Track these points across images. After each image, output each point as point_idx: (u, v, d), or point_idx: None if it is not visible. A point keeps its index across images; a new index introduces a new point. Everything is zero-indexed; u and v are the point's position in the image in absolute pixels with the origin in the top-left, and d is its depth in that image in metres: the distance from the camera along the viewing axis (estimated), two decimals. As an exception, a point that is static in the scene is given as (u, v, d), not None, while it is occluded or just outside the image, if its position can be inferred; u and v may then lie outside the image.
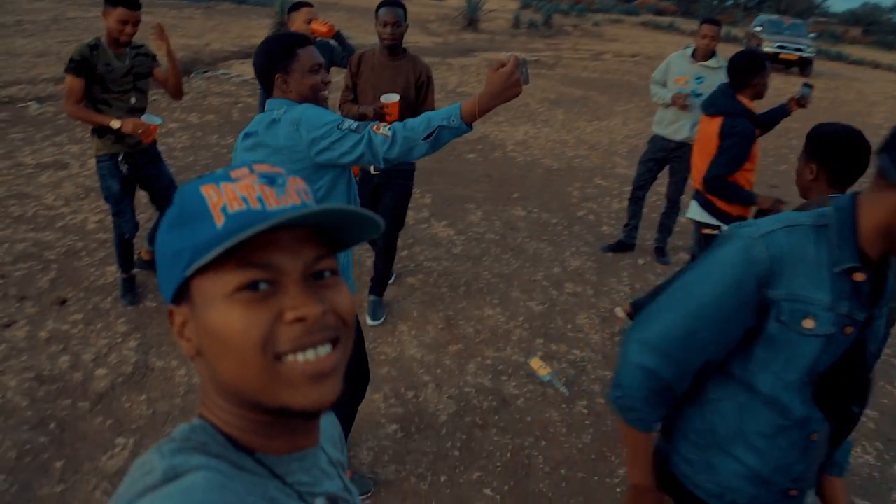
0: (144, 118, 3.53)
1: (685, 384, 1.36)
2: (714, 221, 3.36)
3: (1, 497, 2.52)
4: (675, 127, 4.58)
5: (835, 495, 1.49)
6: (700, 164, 3.40)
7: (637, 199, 4.92)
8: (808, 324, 1.21)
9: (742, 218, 3.37)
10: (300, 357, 0.61)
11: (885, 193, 1.13)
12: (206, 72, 11.28)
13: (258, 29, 14.19)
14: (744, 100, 3.30)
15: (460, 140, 7.97)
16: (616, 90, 12.02)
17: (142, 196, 3.98)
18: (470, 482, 2.71)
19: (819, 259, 1.21)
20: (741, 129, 3.17)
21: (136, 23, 3.44)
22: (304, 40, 2.05)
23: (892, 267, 1.27)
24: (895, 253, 1.20)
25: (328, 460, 0.76)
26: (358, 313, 3.90)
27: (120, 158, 3.63)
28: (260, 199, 0.63)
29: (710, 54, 4.44)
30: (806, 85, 3.85)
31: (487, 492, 2.66)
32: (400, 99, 3.29)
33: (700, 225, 3.46)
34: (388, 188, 3.60)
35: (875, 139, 1.50)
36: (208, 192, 0.64)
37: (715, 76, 4.41)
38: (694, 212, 3.48)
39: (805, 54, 16.93)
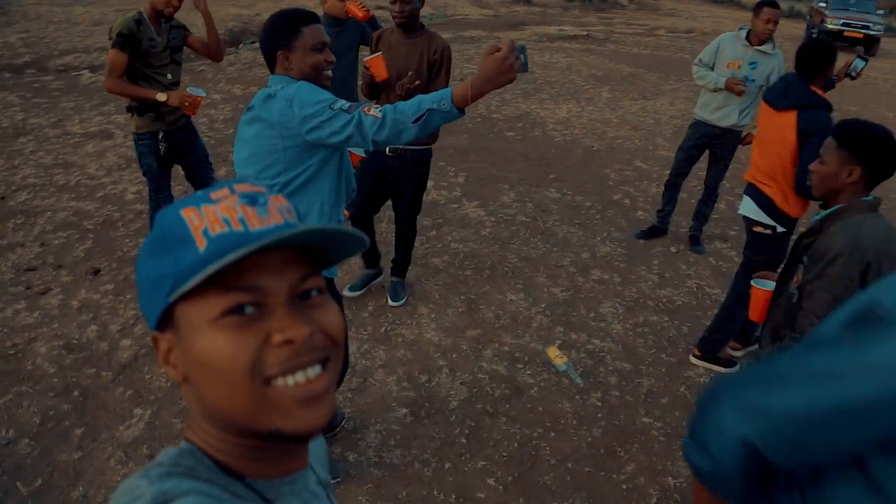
0: (189, 90, 3.53)
1: (794, 471, 1.09)
2: (769, 221, 3.19)
3: (22, 460, 2.64)
4: (722, 112, 4.37)
5: None
6: (761, 160, 3.22)
7: (674, 186, 4.76)
8: None
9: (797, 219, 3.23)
10: (290, 380, 0.60)
11: None
12: (253, 42, 11.37)
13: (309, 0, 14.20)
14: (818, 90, 3.12)
15: (501, 117, 7.88)
16: (666, 68, 11.65)
17: (178, 170, 4.02)
18: (474, 470, 2.71)
19: None
20: (825, 123, 2.93)
21: None
22: (310, 17, 2.02)
23: None
24: None
25: (317, 480, 0.76)
26: (380, 294, 3.92)
27: (160, 137, 3.67)
28: (242, 221, 0.62)
29: (767, 39, 4.19)
30: (861, 57, 3.64)
31: (491, 481, 2.66)
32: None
33: (752, 223, 3.28)
34: (403, 175, 3.54)
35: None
36: (188, 215, 0.62)
37: (768, 62, 4.20)
38: (747, 209, 3.30)
39: (871, 32, 16.05)
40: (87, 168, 5.62)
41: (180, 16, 3.68)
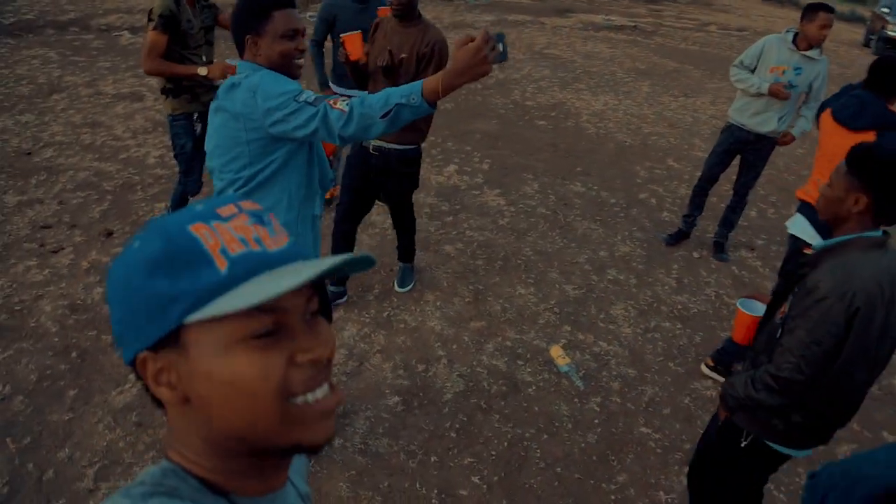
0: (229, 62, 3.44)
1: None
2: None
3: (15, 417, 2.67)
4: (762, 118, 4.16)
5: None
6: (825, 180, 3.08)
7: (702, 192, 4.58)
8: None
9: None
10: (310, 397, 0.62)
11: None
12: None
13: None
14: (894, 109, 2.94)
15: (534, 104, 7.74)
16: (712, 65, 11.31)
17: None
18: (460, 466, 2.65)
19: None
20: None
21: None
22: (283, 1, 1.89)
23: None
24: None
25: (297, 494, 0.76)
26: (389, 277, 3.87)
27: (195, 118, 3.64)
28: (258, 241, 0.61)
29: (817, 45, 3.98)
30: None
31: (475, 479, 2.60)
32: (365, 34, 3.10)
33: (803, 243, 3.12)
34: (388, 175, 3.36)
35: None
36: (200, 232, 0.60)
37: (813, 68, 4.00)
38: (801, 229, 3.15)
39: (935, 41, 15.37)
40: (115, 129, 5.66)
41: None
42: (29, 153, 5.02)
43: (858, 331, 1.66)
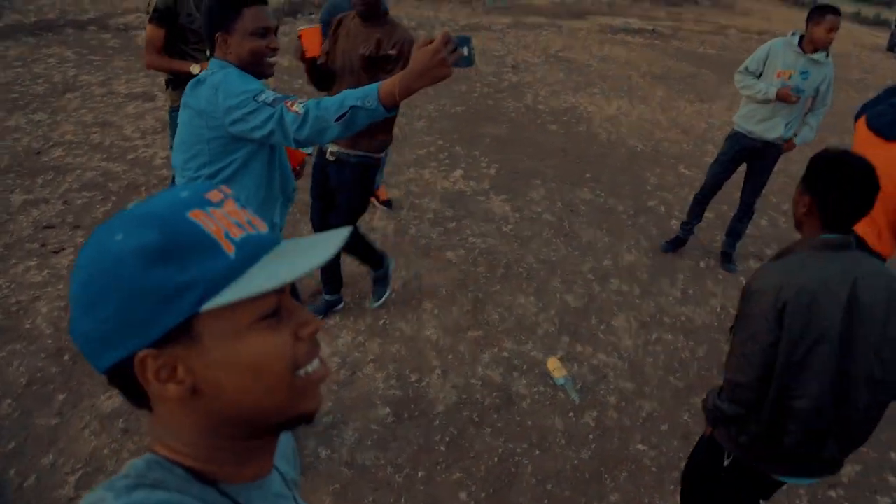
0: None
1: None
2: None
3: (1, 422, 2.66)
4: (768, 125, 4.07)
5: None
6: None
7: (704, 201, 4.50)
8: None
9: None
10: (309, 368, 0.65)
11: None
12: (312, 14, 11.36)
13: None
14: None
15: (546, 108, 7.66)
16: (729, 70, 11.08)
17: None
18: (448, 482, 2.60)
19: None
20: None
21: None
22: None
23: None
24: None
25: (282, 480, 0.76)
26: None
27: None
28: (250, 224, 0.63)
29: (824, 48, 3.90)
30: None
31: (463, 495, 2.55)
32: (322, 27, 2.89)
33: None
34: (342, 183, 3.15)
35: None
36: (200, 218, 0.59)
37: (820, 71, 3.91)
38: None
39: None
40: (124, 129, 5.68)
41: None
42: (38, 152, 5.05)
43: (786, 326, 1.62)
